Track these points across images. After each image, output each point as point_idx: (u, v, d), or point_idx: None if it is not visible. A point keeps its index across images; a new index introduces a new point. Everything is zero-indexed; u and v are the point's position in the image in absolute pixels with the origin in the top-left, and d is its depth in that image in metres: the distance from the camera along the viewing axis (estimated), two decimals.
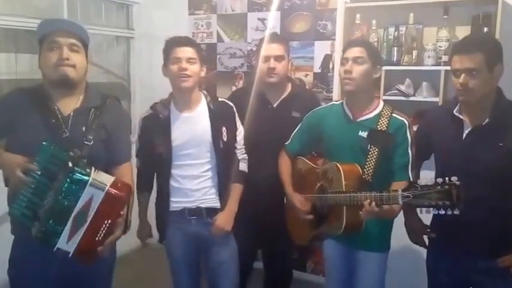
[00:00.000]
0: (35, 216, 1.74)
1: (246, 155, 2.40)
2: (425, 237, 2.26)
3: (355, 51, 2.10)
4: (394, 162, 2.08)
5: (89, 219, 1.76)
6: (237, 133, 2.36)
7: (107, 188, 1.77)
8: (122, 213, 1.87)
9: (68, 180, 1.72)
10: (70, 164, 1.73)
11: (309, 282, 3.64)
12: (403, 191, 1.78)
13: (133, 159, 2.21)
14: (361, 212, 1.90)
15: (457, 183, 1.64)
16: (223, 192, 2.31)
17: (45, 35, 1.86)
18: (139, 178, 2.34)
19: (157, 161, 2.27)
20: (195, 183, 2.27)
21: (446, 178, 1.66)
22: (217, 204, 2.30)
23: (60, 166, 1.73)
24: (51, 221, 1.73)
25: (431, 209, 1.70)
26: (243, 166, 2.39)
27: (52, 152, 1.73)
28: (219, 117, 2.29)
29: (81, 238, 1.77)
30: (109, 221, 1.81)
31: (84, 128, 1.89)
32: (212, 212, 2.29)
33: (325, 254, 2.39)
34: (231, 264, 2.36)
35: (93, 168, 1.78)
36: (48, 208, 1.73)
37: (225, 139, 2.27)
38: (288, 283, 2.99)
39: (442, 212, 1.67)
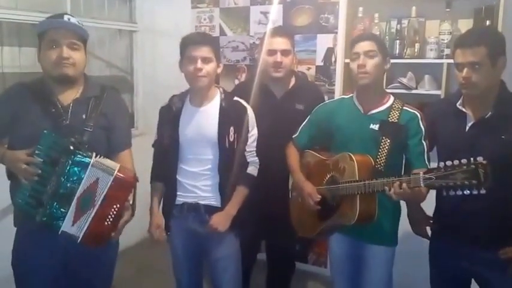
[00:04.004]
0: (39, 204, 1.78)
1: (256, 158, 2.35)
2: (428, 229, 2.28)
3: (366, 45, 2.09)
4: (410, 151, 2.09)
5: (97, 204, 1.81)
6: (249, 135, 2.30)
7: (115, 172, 1.82)
8: (129, 197, 1.92)
9: (70, 162, 1.77)
10: (72, 148, 1.77)
11: (311, 274, 3.66)
12: (424, 173, 1.76)
13: (137, 152, 2.23)
14: (390, 193, 1.87)
15: (484, 162, 1.61)
16: (224, 192, 2.27)
17: (44, 31, 1.88)
18: (153, 168, 2.36)
19: (166, 153, 2.28)
20: (195, 180, 2.26)
21: (472, 158, 1.63)
22: (217, 203, 2.27)
23: (61, 152, 1.77)
24: (55, 204, 1.78)
25: (456, 190, 1.66)
26: (252, 169, 2.33)
27: (53, 139, 1.77)
28: (229, 116, 2.25)
29: (89, 223, 1.81)
30: (118, 206, 1.86)
31: (84, 116, 1.93)
32: (211, 210, 2.26)
33: (331, 250, 2.37)
34: (230, 261, 2.34)
35: (94, 153, 1.82)
36: (51, 192, 1.77)
37: (231, 139, 2.23)
38: (291, 274, 3.02)
39: (467, 192, 1.63)
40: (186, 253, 2.36)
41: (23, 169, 1.76)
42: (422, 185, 1.76)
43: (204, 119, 2.25)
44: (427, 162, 2.06)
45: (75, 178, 1.78)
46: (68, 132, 1.86)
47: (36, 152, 1.76)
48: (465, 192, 1.64)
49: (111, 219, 1.86)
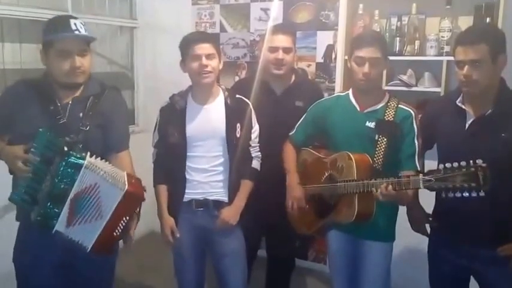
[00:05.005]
0: (34, 201, 1.78)
1: (259, 153, 2.40)
2: (427, 226, 2.28)
3: (372, 52, 2.06)
4: (401, 152, 2.09)
5: (108, 216, 1.81)
6: (252, 131, 2.36)
7: (126, 187, 1.82)
8: (138, 209, 1.94)
9: (64, 163, 1.76)
10: (65, 149, 1.77)
11: (310, 270, 3.68)
12: (424, 175, 1.77)
13: (137, 148, 2.23)
14: (377, 194, 1.89)
15: (483, 165, 1.62)
16: (232, 187, 2.31)
17: (52, 40, 1.88)
18: (156, 171, 2.34)
19: (173, 152, 2.28)
20: (204, 176, 2.28)
21: (471, 161, 1.65)
22: (225, 198, 2.31)
23: (56, 151, 1.77)
24: (49, 204, 1.78)
25: (455, 192, 1.68)
26: (256, 164, 2.39)
27: (48, 138, 1.77)
28: (235, 113, 2.29)
29: (99, 234, 1.82)
30: (127, 218, 1.88)
31: (81, 115, 1.94)
32: (219, 205, 2.30)
33: (329, 246, 2.38)
34: (237, 256, 2.37)
35: (88, 154, 1.82)
36: (46, 192, 1.77)
37: (238, 135, 2.28)
38: (290, 271, 3.03)
39: (467, 194, 1.66)
40: (193, 250, 2.37)
41: (18, 166, 1.77)
42: (422, 186, 1.78)
43: (211, 116, 2.27)
44: (417, 163, 2.06)
45: (68, 179, 1.77)
46: (64, 130, 1.87)
47: (32, 150, 1.76)
48: (464, 194, 1.67)
49: (120, 230, 1.87)
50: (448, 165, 1.70)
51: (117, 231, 1.86)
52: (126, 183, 1.83)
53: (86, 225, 1.81)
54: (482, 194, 1.64)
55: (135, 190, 1.87)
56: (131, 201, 1.86)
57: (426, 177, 1.76)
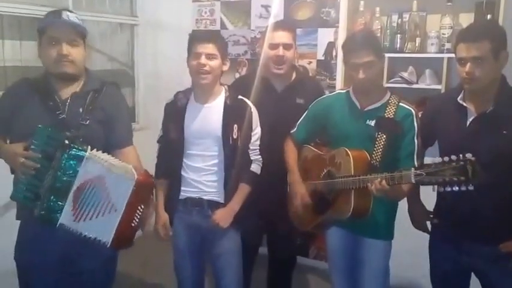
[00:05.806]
0: (37, 197, 1.79)
1: (259, 156, 2.36)
2: (428, 223, 2.28)
3: (364, 56, 2.04)
4: (400, 150, 2.09)
5: (123, 208, 1.83)
6: (253, 134, 2.32)
7: (136, 177, 1.84)
8: (151, 196, 1.98)
9: (66, 155, 1.78)
10: (66, 142, 1.79)
11: (312, 268, 3.69)
12: (415, 169, 1.78)
13: (137, 146, 2.23)
14: (371, 188, 1.90)
15: (472, 159, 1.62)
16: (229, 189, 2.30)
17: (44, 27, 1.90)
18: (158, 165, 2.37)
19: (172, 149, 2.31)
20: (198, 175, 2.28)
21: (461, 155, 1.65)
22: (220, 199, 2.30)
23: (56, 146, 1.78)
24: (52, 197, 1.79)
25: (445, 186, 1.69)
26: (255, 167, 2.34)
27: (48, 134, 1.79)
28: (233, 114, 2.27)
29: (117, 227, 1.83)
30: (142, 206, 1.90)
31: (81, 110, 1.94)
32: (214, 205, 2.29)
33: (328, 244, 2.39)
34: (232, 256, 2.36)
35: (89, 147, 1.83)
36: (48, 186, 1.78)
37: (234, 136, 2.26)
38: (292, 268, 3.03)
39: (456, 188, 1.65)
40: (190, 248, 2.37)
41: (19, 163, 1.78)
42: (413, 180, 1.78)
43: (209, 116, 2.27)
44: (415, 162, 2.06)
45: (71, 171, 1.79)
46: (64, 126, 1.87)
47: (32, 146, 1.77)
48: (454, 188, 1.66)
49: (137, 220, 1.90)
50: (438, 159, 1.70)
51: (134, 221, 1.89)
52: (135, 173, 1.86)
53: (99, 220, 1.83)
54: (471, 188, 1.63)
55: (145, 179, 1.91)
56: (143, 189, 1.90)
57: (417, 172, 1.76)
